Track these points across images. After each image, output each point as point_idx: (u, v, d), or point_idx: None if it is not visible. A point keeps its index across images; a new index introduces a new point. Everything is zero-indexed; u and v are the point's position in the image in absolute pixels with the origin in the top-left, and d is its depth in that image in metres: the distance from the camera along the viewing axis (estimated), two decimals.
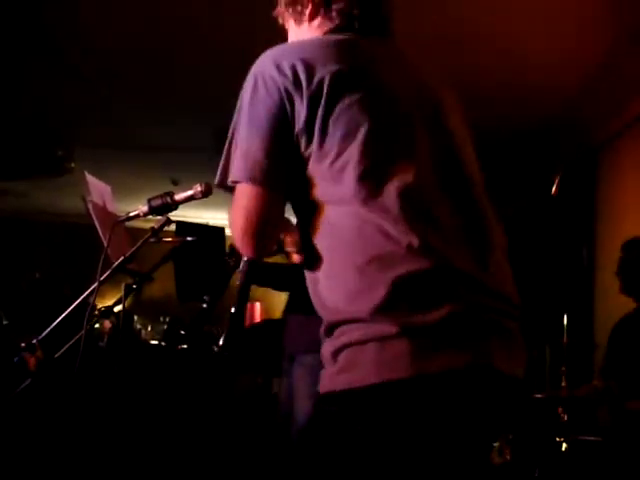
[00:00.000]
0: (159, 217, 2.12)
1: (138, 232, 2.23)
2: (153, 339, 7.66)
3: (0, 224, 8.98)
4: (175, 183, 6.98)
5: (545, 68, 4.20)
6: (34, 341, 2.17)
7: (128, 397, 3.67)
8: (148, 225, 2.19)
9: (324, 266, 1.29)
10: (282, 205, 1.33)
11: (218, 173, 1.35)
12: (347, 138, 1.25)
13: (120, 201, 2.68)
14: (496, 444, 2.98)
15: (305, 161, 1.28)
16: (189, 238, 2.40)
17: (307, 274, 1.36)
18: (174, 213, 2.10)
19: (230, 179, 1.31)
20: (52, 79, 4.89)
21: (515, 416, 2.86)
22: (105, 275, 2.11)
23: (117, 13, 3.96)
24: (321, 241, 1.30)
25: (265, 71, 1.28)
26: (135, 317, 8.11)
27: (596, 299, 4.62)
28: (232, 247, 2.67)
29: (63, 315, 2.16)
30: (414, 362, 1.16)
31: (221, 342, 2.13)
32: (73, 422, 3.03)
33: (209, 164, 2.69)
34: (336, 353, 1.24)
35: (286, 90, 1.26)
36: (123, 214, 2.16)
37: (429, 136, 1.34)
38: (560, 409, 3.12)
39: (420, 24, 3.19)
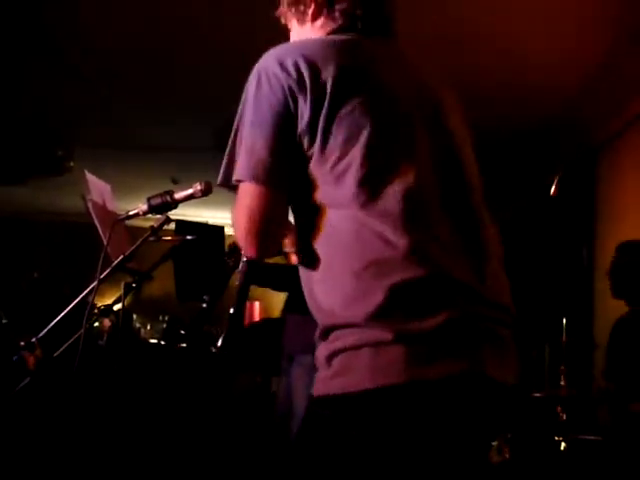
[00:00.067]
0: (159, 216, 2.12)
1: (138, 231, 2.23)
2: (152, 338, 7.67)
3: (0, 223, 8.98)
4: (175, 182, 6.98)
5: (545, 68, 4.20)
6: (33, 340, 2.17)
7: (127, 395, 3.67)
8: (148, 224, 2.19)
9: (321, 269, 1.28)
10: (285, 204, 1.32)
11: (222, 170, 1.34)
12: (349, 141, 1.25)
13: (120, 200, 2.67)
14: (495, 443, 2.98)
15: (306, 161, 1.28)
16: (189, 237, 2.40)
17: (303, 275, 1.36)
18: (174, 212, 2.11)
19: (234, 177, 1.30)
20: (52, 79, 4.89)
21: (507, 421, 2.86)
22: (105, 274, 2.11)
23: (117, 13, 3.96)
24: (319, 243, 1.29)
25: (269, 68, 1.28)
26: (134, 316, 8.11)
27: (595, 299, 4.62)
28: (231, 247, 2.68)
29: (62, 314, 2.16)
30: (408, 368, 1.17)
31: (219, 343, 2.14)
32: (72, 421, 3.03)
33: (209, 164, 2.69)
34: (330, 357, 1.24)
35: (290, 89, 1.25)
36: (123, 213, 2.16)
37: (429, 136, 1.34)
38: (559, 408, 3.12)
39: (420, 24, 3.19)
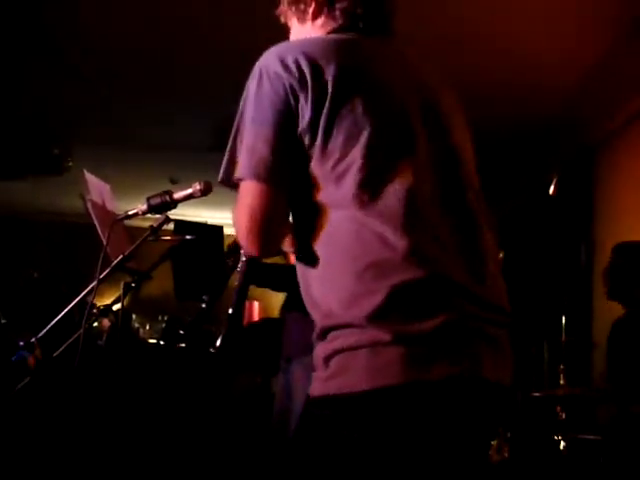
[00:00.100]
0: (158, 215, 2.12)
1: (137, 231, 2.23)
2: (151, 338, 7.66)
3: None
4: (174, 182, 6.98)
5: (544, 68, 4.21)
6: (33, 340, 2.17)
7: (126, 395, 3.67)
8: (147, 224, 2.20)
9: (319, 268, 1.28)
10: (287, 203, 1.30)
11: (222, 168, 1.32)
12: (349, 141, 1.25)
13: (119, 200, 2.68)
14: (495, 442, 2.99)
15: (307, 160, 1.27)
16: (188, 237, 2.40)
17: (300, 275, 1.35)
18: (173, 212, 2.11)
19: (235, 176, 1.29)
20: (52, 79, 4.89)
21: (502, 422, 2.86)
22: (104, 273, 2.11)
23: (117, 13, 3.96)
24: (318, 244, 1.29)
25: (270, 66, 1.27)
26: (133, 316, 8.10)
27: (594, 298, 4.62)
28: (230, 247, 2.68)
29: (62, 314, 2.16)
30: (406, 369, 1.16)
31: (218, 343, 2.14)
32: (72, 420, 3.03)
33: (208, 164, 2.69)
34: (328, 358, 1.24)
35: (291, 87, 1.25)
36: (122, 212, 2.17)
37: (429, 136, 1.33)
38: (558, 407, 3.13)
39: (420, 24, 3.19)
